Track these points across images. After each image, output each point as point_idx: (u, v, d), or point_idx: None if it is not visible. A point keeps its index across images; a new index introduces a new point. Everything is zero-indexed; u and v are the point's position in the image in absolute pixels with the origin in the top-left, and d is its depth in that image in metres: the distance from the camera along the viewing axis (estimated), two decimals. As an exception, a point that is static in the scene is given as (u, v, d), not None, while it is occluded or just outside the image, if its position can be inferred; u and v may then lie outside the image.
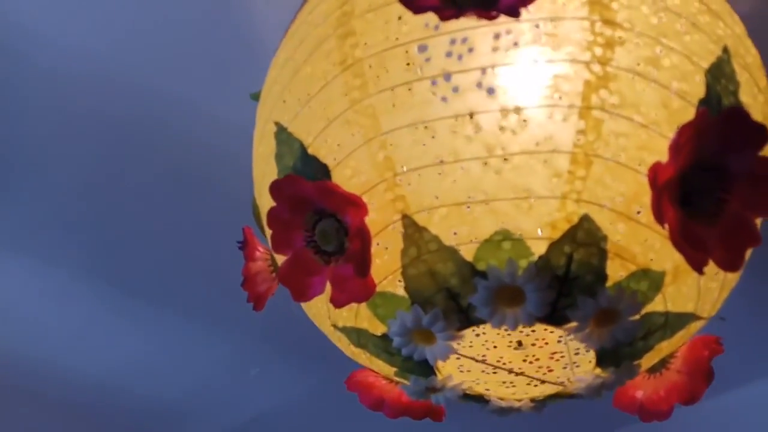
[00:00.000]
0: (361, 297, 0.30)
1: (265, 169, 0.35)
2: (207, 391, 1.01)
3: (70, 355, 0.99)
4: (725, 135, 0.26)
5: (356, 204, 0.28)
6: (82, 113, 0.71)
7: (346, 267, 0.30)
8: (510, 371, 0.33)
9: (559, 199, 0.27)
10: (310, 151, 0.31)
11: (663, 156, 0.27)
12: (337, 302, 0.30)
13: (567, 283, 0.29)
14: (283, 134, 0.33)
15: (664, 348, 0.34)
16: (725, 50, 0.30)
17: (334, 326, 0.36)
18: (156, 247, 0.84)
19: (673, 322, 0.32)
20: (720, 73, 0.29)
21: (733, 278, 0.34)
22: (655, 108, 0.27)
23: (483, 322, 0.30)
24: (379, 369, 0.38)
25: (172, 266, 0.86)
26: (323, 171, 0.30)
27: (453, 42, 0.27)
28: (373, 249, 0.30)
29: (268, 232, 0.33)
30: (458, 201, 0.28)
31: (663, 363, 0.39)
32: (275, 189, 0.30)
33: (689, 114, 0.28)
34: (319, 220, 0.31)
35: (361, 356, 0.37)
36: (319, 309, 0.36)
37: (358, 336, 0.35)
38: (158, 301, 0.91)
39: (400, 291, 0.31)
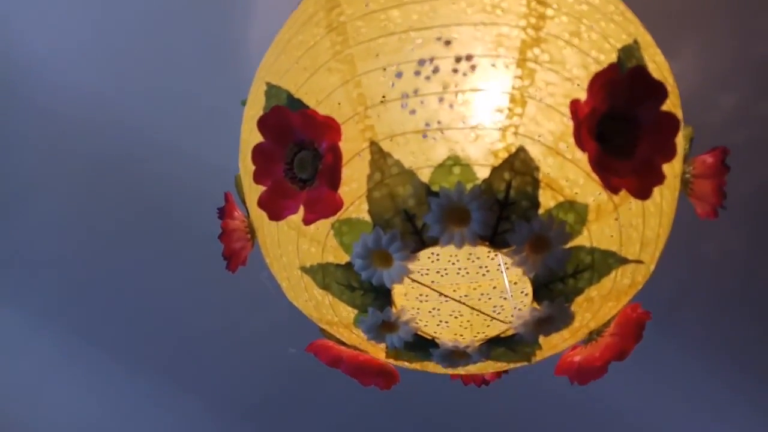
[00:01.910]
0: (329, 212, 0.34)
1: (252, 127, 0.41)
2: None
3: (11, 410, 0.94)
4: (632, 88, 0.33)
5: (331, 126, 0.33)
6: (61, 150, 0.73)
7: (318, 190, 0.35)
8: (456, 300, 0.37)
9: (500, 131, 0.33)
10: (295, 96, 0.37)
11: (584, 102, 0.33)
12: (308, 220, 0.35)
13: (506, 207, 0.34)
14: (272, 90, 0.39)
15: (594, 298, 0.39)
16: (636, 41, 0.37)
17: (302, 268, 0.40)
18: (122, 294, 0.84)
19: (599, 264, 0.37)
20: (631, 54, 0.36)
21: (652, 238, 0.39)
22: (577, 67, 0.34)
23: (435, 242, 0.34)
24: (340, 318, 0.41)
25: (136, 317, 0.86)
26: (305, 108, 0.35)
27: (420, 7, 0.34)
28: (343, 177, 0.35)
29: (251, 169, 0.37)
30: (418, 129, 0.33)
31: (598, 332, 0.43)
32: (262, 122, 0.36)
33: (605, 76, 0.34)
34: (297, 152, 0.36)
35: (324, 304, 0.41)
36: (289, 253, 0.40)
37: (323, 275, 0.39)
38: (116, 353, 0.89)
39: (365, 216, 0.35)
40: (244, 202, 0.45)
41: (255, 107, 0.41)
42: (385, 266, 0.35)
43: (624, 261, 0.37)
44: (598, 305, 0.40)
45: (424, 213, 0.34)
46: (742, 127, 0.73)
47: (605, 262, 0.37)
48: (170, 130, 0.70)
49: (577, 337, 0.42)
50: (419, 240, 0.34)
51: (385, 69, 0.34)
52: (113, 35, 0.66)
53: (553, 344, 0.41)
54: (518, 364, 0.44)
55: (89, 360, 0.87)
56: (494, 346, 0.39)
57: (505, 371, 0.51)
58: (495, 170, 0.33)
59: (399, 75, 0.34)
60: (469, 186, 0.33)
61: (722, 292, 0.81)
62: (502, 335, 0.39)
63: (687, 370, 0.86)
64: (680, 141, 0.39)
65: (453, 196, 0.33)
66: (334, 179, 0.33)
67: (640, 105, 0.33)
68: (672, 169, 0.40)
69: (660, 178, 0.34)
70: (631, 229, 0.37)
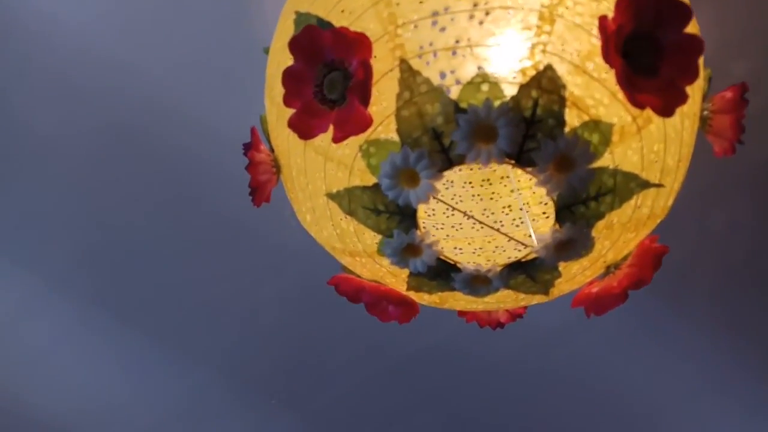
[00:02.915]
0: (359, 129, 0.35)
1: (279, 59, 0.41)
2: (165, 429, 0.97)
3: (27, 377, 0.95)
4: (657, 8, 0.34)
5: (363, 42, 0.34)
6: (76, 114, 0.74)
7: (348, 108, 0.35)
8: (480, 223, 0.37)
9: (528, 48, 0.34)
10: (325, 20, 0.37)
11: (611, 22, 0.34)
12: (337, 138, 0.35)
13: (533, 125, 0.34)
14: (301, 17, 0.39)
15: (614, 225, 0.39)
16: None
17: (328, 195, 0.40)
18: (137, 262, 0.85)
19: (621, 187, 0.37)
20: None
21: (672, 167, 0.40)
22: (604, -11, 0.35)
23: (462, 161, 0.35)
24: (364, 247, 0.42)
25: (148, 285, 0.87)
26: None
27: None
28: (372, 96, 0.35)
29: (280, 91, 0.38)
30: (447, 46, 0.34)
31: (616, 266, 0.44)
32: (294, 43, 0.36)
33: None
34: (327, 74, 0.36)
35: (348, 232, 0.41)
36: (316, 180, 0.41)
37: (349, 200, 0.39)
38: (130, 321, 0.90)
39: (393, 136, 0.36)
40: (269, 141, 0.46)
41: (283, 39, 0.42)
42: (412, 185, 0.36)
43: (646, 185, 0.37)
44: (618, 234, 0.40)
45: (452, 131, 0.34)
46: (754, 96, 0.73)
47: (627, 185, 0.37)
48: (186, 96, 0.71)
49: (595, 268, 0.43)
50: (446, 158, 0.35)
51: (416, -12, 0.34)
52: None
53: (571, 274, 0.42)
54: (536, 298, 0.44)
55: (101, 326, 0.88)
56: (515, 272, 0.40)
57: (520, 315, 0.52)
58: (522, 88, 0.34)
59: (430, -7, 0.34)
60: (497, 103, 0.34)
61: (730, 263, 0.82)
62: (523, 260, 0.39)
63: (693, 341, 0.87)
64: (700, 81, 0.40)
65: (481, 113, 0.34)
66: (365, 94, 0.34)
67: (665, 25, 0.34)
68: (692, 106, 0.41)
69: (683, 98, 0.34)
70: (652, 154, 0.37)
